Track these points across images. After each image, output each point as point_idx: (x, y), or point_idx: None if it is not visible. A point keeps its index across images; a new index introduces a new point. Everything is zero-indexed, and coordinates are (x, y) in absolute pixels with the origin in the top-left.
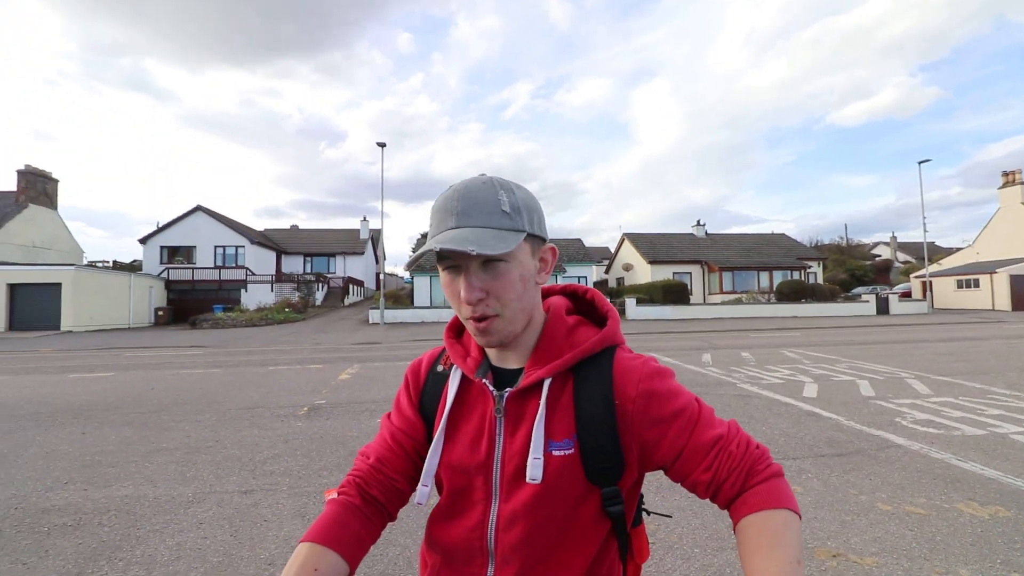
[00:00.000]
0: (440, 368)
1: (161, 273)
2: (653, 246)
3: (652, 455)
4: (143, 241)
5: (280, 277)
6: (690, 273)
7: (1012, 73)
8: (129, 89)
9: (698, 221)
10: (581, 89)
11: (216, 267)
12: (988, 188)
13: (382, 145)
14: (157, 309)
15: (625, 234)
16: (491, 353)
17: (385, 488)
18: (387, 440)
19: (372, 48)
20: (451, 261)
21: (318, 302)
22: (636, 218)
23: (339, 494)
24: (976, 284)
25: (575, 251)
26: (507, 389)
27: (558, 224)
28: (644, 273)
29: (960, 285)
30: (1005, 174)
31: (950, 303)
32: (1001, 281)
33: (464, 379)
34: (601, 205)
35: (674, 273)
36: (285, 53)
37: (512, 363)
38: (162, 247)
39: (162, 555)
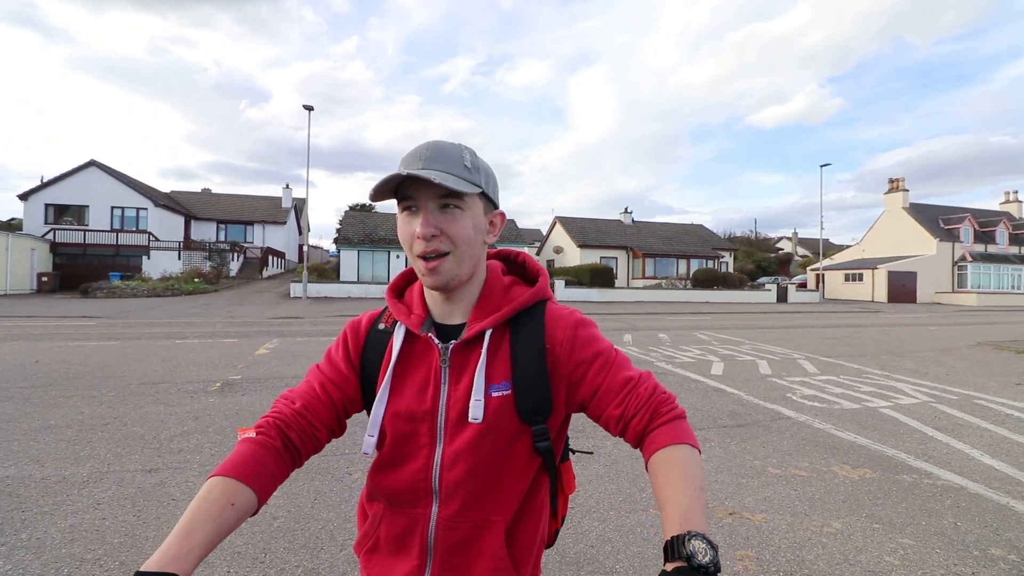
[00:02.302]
0: (382, 326)
1: (46, 234)
2: (583, 230)
3: (575, 393)
4: (24, 197)
5: (189, 244)
6: (616, 258)
7: (904, 91)
8: (11, 23)
9: (626, 208)
10: (522, 69)
11: (113, 230)
12: (877, 193)
13: (309, 108)
14: (41, 275)
15: (557, 217)
16: (435, 310)
17: (304, 435)
18: (315, 389)
19: (303, 4)
20: (411, 202)
21: (233, 273)
22: (569, 202)
23: (257, 433)
24: (860, 278)
25: (508, 232)
26: (452, 341)
27: None
28: (574, 256)
29: (847, 278)
30: (891, 181)
31: (838, 294)
32: (880, 276)
33: (408, 335)
34: (536, 188)
35: (601, 257)
36: None
37: (456, 319)
38: (48, 205)
39: (53, 538)
